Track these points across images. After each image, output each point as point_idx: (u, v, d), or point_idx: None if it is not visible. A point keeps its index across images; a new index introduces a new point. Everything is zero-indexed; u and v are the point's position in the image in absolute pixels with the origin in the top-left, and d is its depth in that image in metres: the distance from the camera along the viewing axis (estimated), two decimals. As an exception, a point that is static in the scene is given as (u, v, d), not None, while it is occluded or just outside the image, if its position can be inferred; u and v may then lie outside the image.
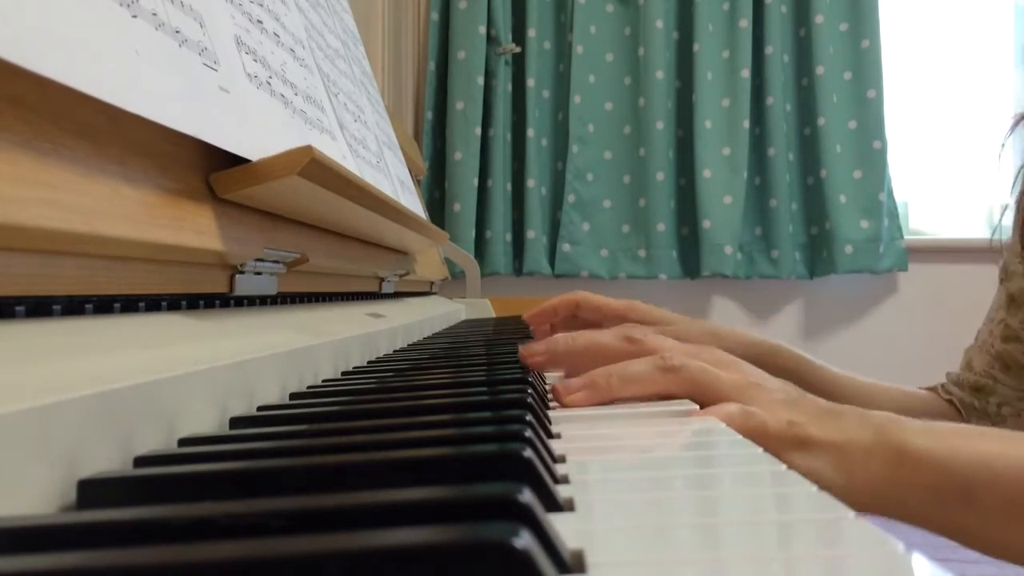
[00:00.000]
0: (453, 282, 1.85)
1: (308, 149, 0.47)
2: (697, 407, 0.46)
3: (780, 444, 0.46)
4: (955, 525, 0.45)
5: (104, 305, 0.37)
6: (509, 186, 2.38)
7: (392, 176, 1.00)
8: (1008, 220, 0.88)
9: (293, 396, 0.47)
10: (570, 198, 2.38)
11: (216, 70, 0.47)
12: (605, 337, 0.56)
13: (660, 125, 2.34)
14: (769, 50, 2.35)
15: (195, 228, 0.42)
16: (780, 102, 2.36)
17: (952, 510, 0.45)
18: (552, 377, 0.62)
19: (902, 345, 2.44)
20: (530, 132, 2.34)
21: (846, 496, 0.44)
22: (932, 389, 0.83)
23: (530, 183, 2.34)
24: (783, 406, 0.48)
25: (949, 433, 0.46)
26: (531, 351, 0.57)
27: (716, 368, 0.50)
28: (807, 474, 0.44)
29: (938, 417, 0.76)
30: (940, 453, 0.45)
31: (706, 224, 2.32)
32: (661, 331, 0.70)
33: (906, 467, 0.45)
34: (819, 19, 2.34)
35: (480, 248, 2.32)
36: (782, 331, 2.43)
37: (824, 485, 0.44)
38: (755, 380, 0.50)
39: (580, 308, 0.88)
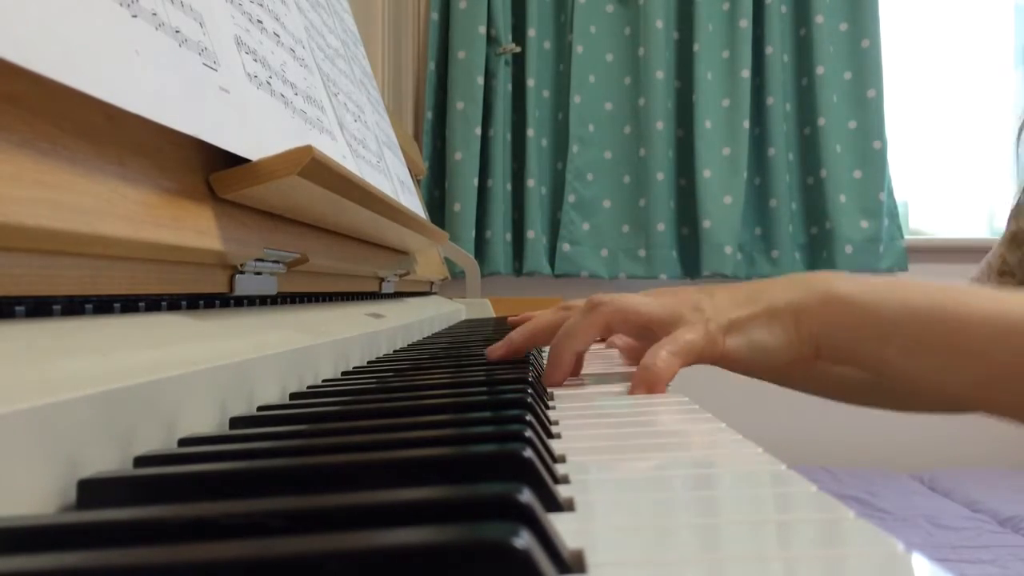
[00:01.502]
0: (453, 282, 1.85)
1: (308, 149, 0.47)
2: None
3: (713, 340, 0.51)
4: (877, 358, 0.49)
5: (104, 305, 0.37)
6: (509, 186, 2.38)
7: (392, 176, 1.00)
8: None
9: (293, 396, 0.47)
10: (570, 198, 2.37)
11: (216, 70, 0.47)
12: (545, 315, 0.64)
13: (660, 125, 2.34)
14: (769, 50, 2.35)
15: (195, 228, 0.42)
16: (780, 102, 2.36)
17: (873, 345, 0.49)
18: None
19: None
20: (530, 132, 2.34)
21: (790, 352, 0.50)
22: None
23: (530, 183, 2.34)
24: (705, 305, 0.53)
25: (876, 282, 0.50)
26: (492, 349, 0.63)
27: (642, 296, 0.55)
28: (747, 349, 0.51)
29: None
30: (863, 296, 0.49)
31: (706, 224, 2.32)
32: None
33: (831, 309, 0.50)
34: (819, 19, 2.34)
35: (480, 248, 2.32)
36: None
37: (768, 349, 0.51)
38: (677, 294, 0.55)
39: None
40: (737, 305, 0.52)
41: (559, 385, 0.56)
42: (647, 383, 0.50)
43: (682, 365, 0.51)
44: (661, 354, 0.50)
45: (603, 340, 0.84)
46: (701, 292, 0.55)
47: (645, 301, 0.55)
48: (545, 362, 0.59)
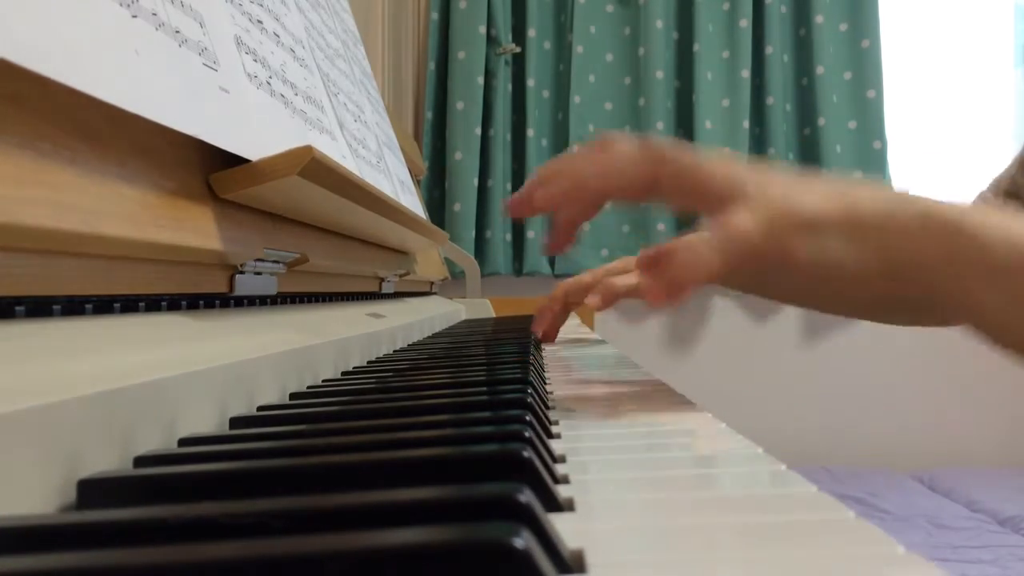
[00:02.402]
0: (453, 282, 1.85)
1: (308, 149, 0.47)
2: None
3: (776, 235, 0.41)
4: (969, 301, 0.41)
5: (104, 305, 0.37)
6: (509, 186, 2.38)
7: (392, 176, 1.00)
8: None
9: (293, 396, 0.47)
10: (570, 198, 2.37)
11: (216, 70, 0.47)
12: (576, 161, 0.47)
13: (660, 125, 2.34)
14: (769, 50, 2.35)
15: (195, 228, 0.42)
16: (780, 102, 2.36)
17: (972, 285, 0.40)
18: (552, 377, 0.62)
19: (902, 344, 2.44)
20: (530, 132, 2.34)
21: (866, 274, 0.41)
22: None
23: (530, 183, 2.34)
24: (778, 188, 0.42)
25: (977, 209, 0.42)
26: (512, 202, 0.49)
27: (696, 153, 0.44)
28: (815, 256, 0.41)
29: None
30: (972, 227, 0.40)
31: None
32: None
33: (930, 234, 0.40)
34: (819, 19, 2.34)
35: (480, 248, 2.32)
36: (782, 331, 2.43)
37: (841, 264, 0.41)
38: (750, 167, 0.44)
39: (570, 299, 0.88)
40: (819, 198, 0.42)
41: (561, 248, 0.45)
42: (668, 280, 0.39)
43: (730, 267, 0.40)
44: (703, 248, 0.39)
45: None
46: (771, 166, 0.44)
47: (708, 163, 0.43)
48: (545, 363, 0.58)
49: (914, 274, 0.42)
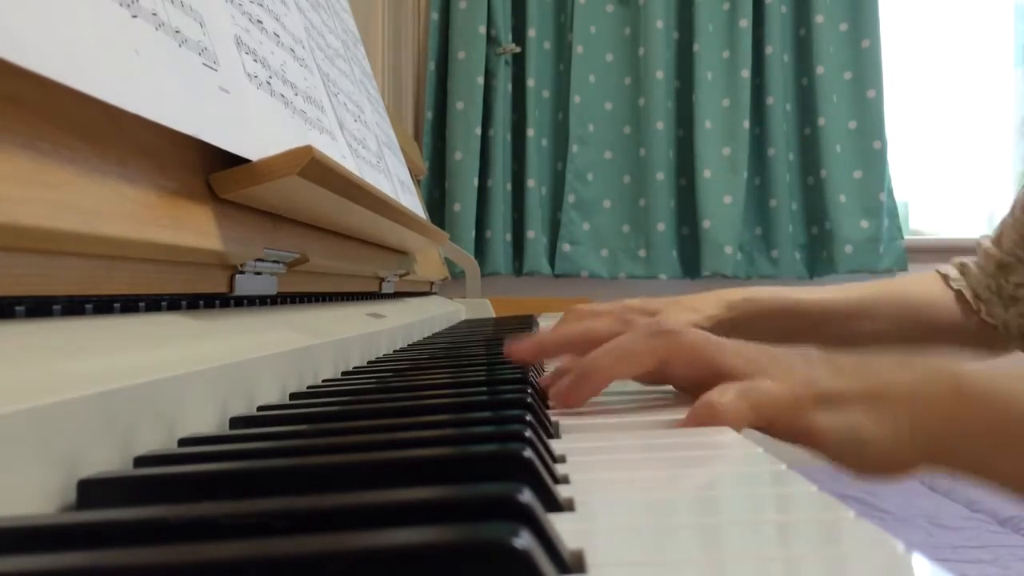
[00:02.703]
0: (453, 282, 1.85)
1: (308, 149, 0.47)
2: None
3: (799, 407, 0.40)
4: (1016, 473, 0.39)
5: (104, 305, 0.37)
6: (509, 186, 2.38)
7: (392, 176, 1.00)
8: None
9: (293, 396, 0.47)
10: (570, 198, 2.37)
11: (216, 70, 0.47)
12: (600, 323, 0.49)
13: (660, 125, 2.34)
14: (769, 50, 2.35)
15: (195, 228, 0.42)
16: (780, 102, 2.36)
17: (1014, 454, 0.39)
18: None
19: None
20: (530, 132, 2.34)
21: (894, 450, 0.39)
22: (944, 276, 0.76)
23: (530, 183, 2.34)
24: (798, 367, 0.42)
25: (1010, 373, 0.40)
26: (517, 345, 0.50)
27: (720, 340, 0.44)
28: (840, 432, 0.40)
29: (943, 311, 0.72)
30: (1003, 390, 0.39)
31: (706, 224, 2.32)
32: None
33: (962, 406, 0.39)
34: (819, 19, 2.34)
35: (480, 248, 2.32)
36: (782, 331, 2.42)
37: (866, 440, 0.39)
38: (754, 345, 0.44)
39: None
40: (837, 374, 0.41)
41: (576, 406, 0.45)
42: (703, 421, 0.40)
43: (753, 420, 0.40)
44: (729, 394, 0.40)
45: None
46: (795, 354, 0.44)
47: (723, 345, 0.44)
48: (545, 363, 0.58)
49: (946, 449, 0.40)
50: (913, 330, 0.70)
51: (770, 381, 0.41)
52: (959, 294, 0.76)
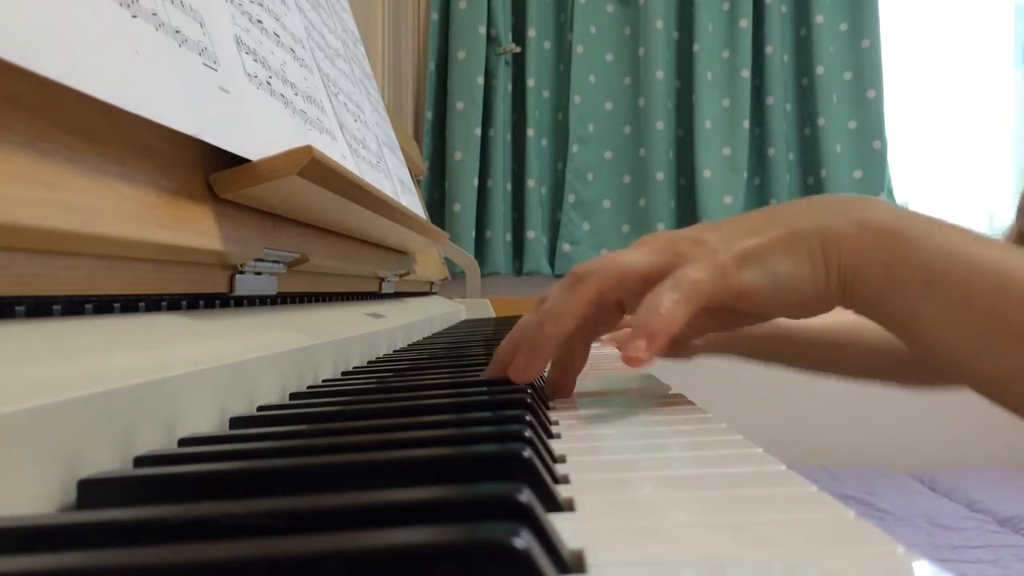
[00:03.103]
0: (453, 282, 1.85)
1: (308, 149, 0.47)
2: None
3: (725, 275, 0.42)
4: (908, 310, 0.42)
5: (104, 305, 0.37)
6: (509, 186, 2.38)
7: (392, 176, 1.00)
8: None
9: (293, 396, 0.47)
10: (570, 198, 2.38)
11: (216, 70, 0.47)
12: (525, 318, 0.48)
13: (660, 125, 2.34)
14: (769, 50, 2.35)
15: (195, 228, 0.42)
16: (780, 102, 2.36)
17: (910, 293, 0.42)
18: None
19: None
20: (530, 132, 2.34)
21: (815, 284, 0.43)
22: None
23: (530, 183, 2.34)
24: (710, 237, 0.43)
25: (916, 217, 0.43)
26: (486, 372, 0.49)
27: (630, 249, 0.45)
28: (767, 283, 0.42)
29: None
30: (906, 230, 0.42)
31: (706, 224, 2.32)
32: None
33: (868, 238, 0.42)
34: (819, 19, 2.34)
35: (480, 248, 2.32)
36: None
37: (791, 282, 0.42)
38: (666, 237, 0.45)
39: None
40: (750, 232, 0.43)
41: (531, 379, 0.45)
42: (647, 333, 0.40)
43: (690, 310, 0.42)
44: (662, 300, 0.41)
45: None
46: (704, 224, 0.46)
47: (635, 253, 0.45)
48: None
49: (859, 283, 0.43)
50: (899, 360, 0.70)
51: (691, 267, 0.42)
52: None
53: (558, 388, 0.49)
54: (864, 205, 0.43)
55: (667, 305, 0.41)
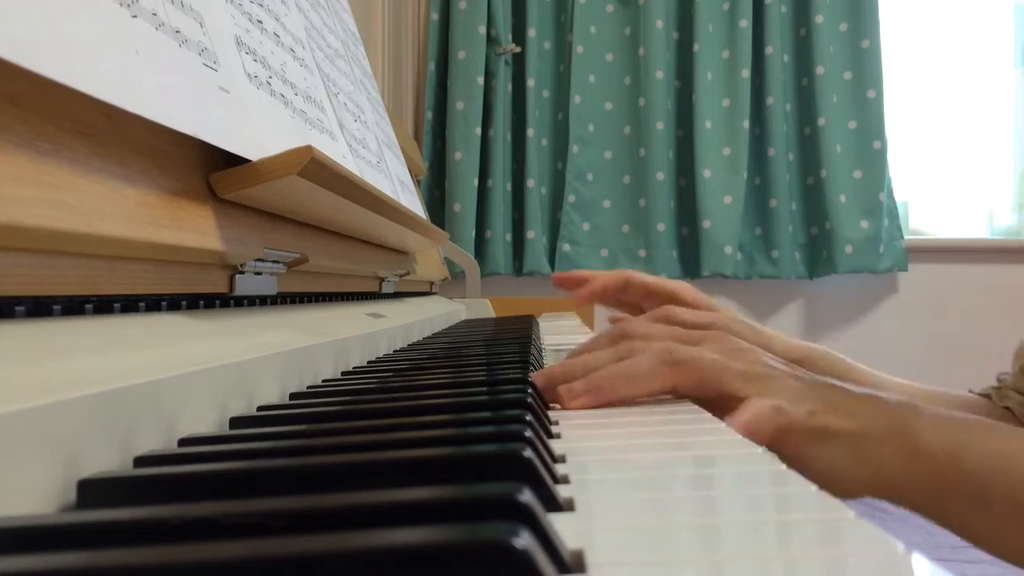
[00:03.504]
0: (453, 282, 1.85)
1: (308, 149, 0.47)
2: (703, 411, 0.45)
3: (802, 437, 0.45)
4: (961, 522, 0.45)
5: (104, 305, 0.37)
6: (509, 186, 2.38)
7: (392, 176, 1.00)
8: None
9: (293, 396, 0.47)
10: (570, 198, 2.38)
11: (216, 70, 0.47)
12: (601, 355, 0.51)
13: (660, 125, 2.34)
14: (769, 50, 2.35)
15: (195, 228, 0.42)
16: (780, 102, 2.36)
17: (959, 507, 0.44)
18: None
19: (902, 345, 2.44)
20: (530, 132, 2.34)
21: (857, 485, 0.45)
22: (985, 395, 0.76)
23: (530, 183, 2.34)
24: (800, 393, 0.46)
25: (963, 427, 0.46)
26: (535, 376, 0.51)
27: (724, 357, 0.48)
28: (825, 465, 0.45)
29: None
30: (952, 448, 0.44)
31: (706, 224, 2.32)
32: (697, 317, 0.68)
33: (917, 460, 0.45)
34: (819, 19, 2.34)
35: (480, 248, 2.32)
36: (782, 330, 2.43)
37: (835, 472, 0.45)
38: (764, 366, 0.48)
39: (629, 288, 0.83)
40: (831, 409, 0.46)
41: (572, 409, 0.47)
42: (746, 421, 0.43)
43: (769, 440, 0.44)
44: (765, 411, 0.44)
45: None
46: (802, 372, 0.48)
47: (729, 372, 0.47)
48: (546, 363, 0.57)
49: (897, 494, 0.45)
50: None
51: (771, 410, 0.45)
52: (1007, 409, 0.73)
53: (567, 404, 0.50)
54: (911, 422, 0.45)
55: (764, 419, 0.44)
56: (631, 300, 0.85)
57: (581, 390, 0.47)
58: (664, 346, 0.48)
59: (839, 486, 0.46)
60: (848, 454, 0.45)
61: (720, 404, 0.46)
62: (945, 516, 0.45)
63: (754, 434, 0.42)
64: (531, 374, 0.51)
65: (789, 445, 0.45)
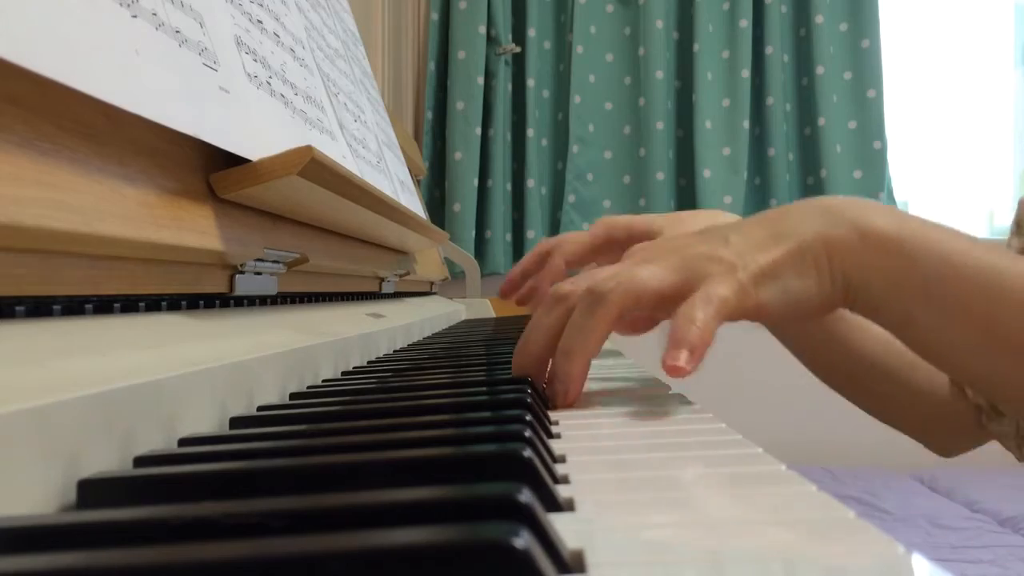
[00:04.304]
0: (453, 282, 1.85)
1: (308, 149, 0.47)
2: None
3: (745, 294, 0.44)
4: (907, 317, 0.45)
5: (104, 305, 0.37)
6: (509, 186, 2.38)
7: (392, 176, 1.00)
8: None
9: (293, 396, 0.47)
10: (570, 198, 2.38)
11: (216, 70, 0.47)
12: (540, 321, 0.49)
13: (660, 125, 2.34)
14: (769, 50, 2.35)
15: (195, 228, 0.42)
16: (780, 102, 2.36)
17: (908, 300, 0.44)
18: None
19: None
20: (530, 132, 2.34)
21: (821, 297, 0.45)
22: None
23: (530, 183, 2.34)
24: (725, 253, 0.45)
25: (912, 221, 0.45)
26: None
27: (640, 266, 0.46)
28: (780, 301, 0.45)
29: (956, 419, 0.71)
30: (904, 237, 0.44)
31: (706, 224, 2.32)
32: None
33: (868, 247, 0.44)
34: (819, 19, 2.34)
35: (480, 248, 2.32)
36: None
37: (800, 298, 0.45)
38: (676, 253, 0.46)
39: (552, 257, 0.73)
40: (761, 246, 0.45)
41: (571, 405, 0.47)
42: (690, 346, 0.42)
43: (719, 324, 0.43)
44: (697, 314, 0.42)
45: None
46: (712, 236, 0.47)
47: (651, 269, 0.46)
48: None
49: (861, 290, 0.45)
50: (938, 414, 0.69)
51: (717, 283, 0.44)
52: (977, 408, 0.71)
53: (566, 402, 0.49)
54: (863, 210, 0.45)
55: (702, 319, 0.42)
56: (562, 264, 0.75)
57: (562, 389, 0.46)
58: (588, 285, 0.46)
59: (800, 312, 0.45)
60: (797, 271, 0.45)
61: (664, 307, 0.45)
62: (891, 310, 0.45)
63: (716, 324, 0.42)
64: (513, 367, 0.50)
65: (750, 310, 0.45)
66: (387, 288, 1.01)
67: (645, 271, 0.45)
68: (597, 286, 0.45)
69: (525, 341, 0.49)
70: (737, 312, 0.44)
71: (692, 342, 0.42)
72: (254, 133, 0.49)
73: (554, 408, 0.47)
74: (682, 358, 0.42)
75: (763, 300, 0.45)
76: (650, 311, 0.47)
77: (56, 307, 0.33)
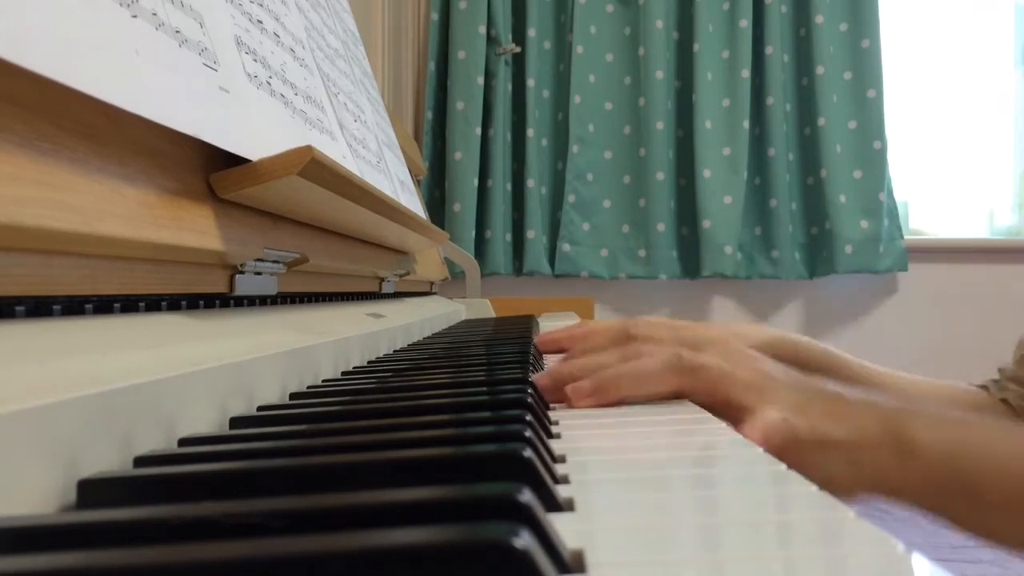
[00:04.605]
0: (453, 282, 1.85)
1: (308, 149, 0.47)
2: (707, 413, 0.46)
3: (804, 448, 0.46)
4: (957, 517, 0.47)
5: (104, 305, 0.37)
6: (509, 186, 2.38)
7: (392, 176, 1.00)
8: None
9: (293, 396, 0.47)
10: (570, 198, 2.38)
11: (216, 70, 0.47)
12: (605, 355, 0.51)
13: (660, 125, 2.34)
14: (769, 50, 2.35)
15: (195, 228, 0.42)
16: (780, 102, 2.36)
17: (955, 504, 0.46)
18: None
19: (902, 345, 2.44)
20: (530, 132, 2.34)
21: (851, 487, 0.46)
22: (984, 387, 0.76)
23: (530, 183, 2.34)
24: (801, 403, 0.47)
25: (957, 427, 0.47)
26: (538, 378, 0.51)
27: (729, 364, 0.48)
28: (824, 473, 0.45)
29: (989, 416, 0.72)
30: (945, 447, 0.46)
31: (706, 224, 2.32)
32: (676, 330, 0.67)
33: (911, 460, 0.46)
34: (819, 19, 2.34)
35: (480, 248, 2.32)
36: (782, 330, 2.43)
37: (833, 479, 0.46)
38: (766, 376, 0.49)
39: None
40: (825, 415, 0.47)
41: (580, 408, 0.48)
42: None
43: (774, 450, 0.45)
44: (771, 427, 0.45)
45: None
46: (788, 384, 0.49)
47: (737, 381, 0.48)
48: (546, 363, 0.57)
49: (892, 494, 0.47)
50: None
51: (778, 420, 0.45)
52: (1003, 401, 0.73)
53: (574, 403, 0.50)
54: (906, 426, 0.46)
55: (772, 434, 0.44)
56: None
57: (588, 390, 0.48)
58: (673, 351, 0.49)
59: (839, 491, 0.46)
60: (845, 462, 0.46)
61: (722, 411, 0.47)
62: (941, 513, 0.47)
63: (768, 444, 0.43)
64: (538, 374, 0.51)
65: (791, 455, 0.45)
66: (387, 288, 1.01)
67: (730, 368, 0.48)
68: (689, 358, 0.48)
69: (581, 362, 0.50)
70: (785, 453, 0.44)
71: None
72: (254, 133, 0.49)
73: (565, 401, 0.48)
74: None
75: (806, 466, 0.44)
76: (712, 406, 0.48)
77: (56, 307, 0.33)
